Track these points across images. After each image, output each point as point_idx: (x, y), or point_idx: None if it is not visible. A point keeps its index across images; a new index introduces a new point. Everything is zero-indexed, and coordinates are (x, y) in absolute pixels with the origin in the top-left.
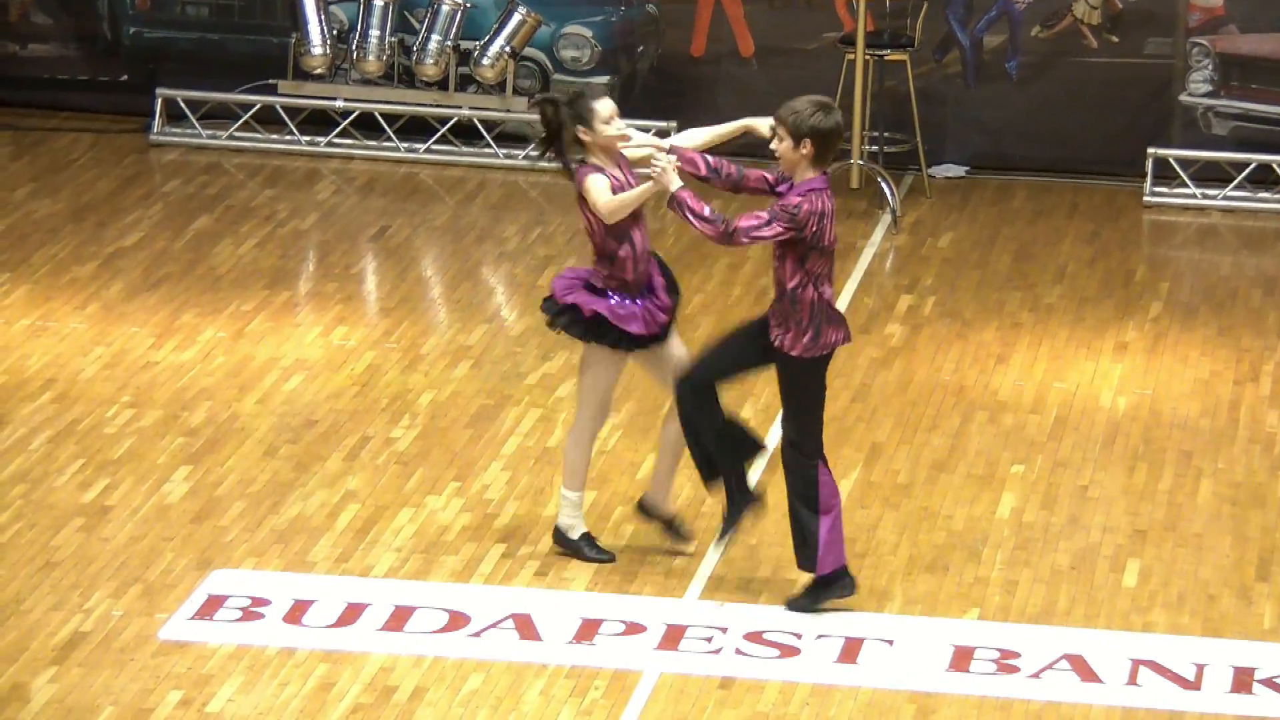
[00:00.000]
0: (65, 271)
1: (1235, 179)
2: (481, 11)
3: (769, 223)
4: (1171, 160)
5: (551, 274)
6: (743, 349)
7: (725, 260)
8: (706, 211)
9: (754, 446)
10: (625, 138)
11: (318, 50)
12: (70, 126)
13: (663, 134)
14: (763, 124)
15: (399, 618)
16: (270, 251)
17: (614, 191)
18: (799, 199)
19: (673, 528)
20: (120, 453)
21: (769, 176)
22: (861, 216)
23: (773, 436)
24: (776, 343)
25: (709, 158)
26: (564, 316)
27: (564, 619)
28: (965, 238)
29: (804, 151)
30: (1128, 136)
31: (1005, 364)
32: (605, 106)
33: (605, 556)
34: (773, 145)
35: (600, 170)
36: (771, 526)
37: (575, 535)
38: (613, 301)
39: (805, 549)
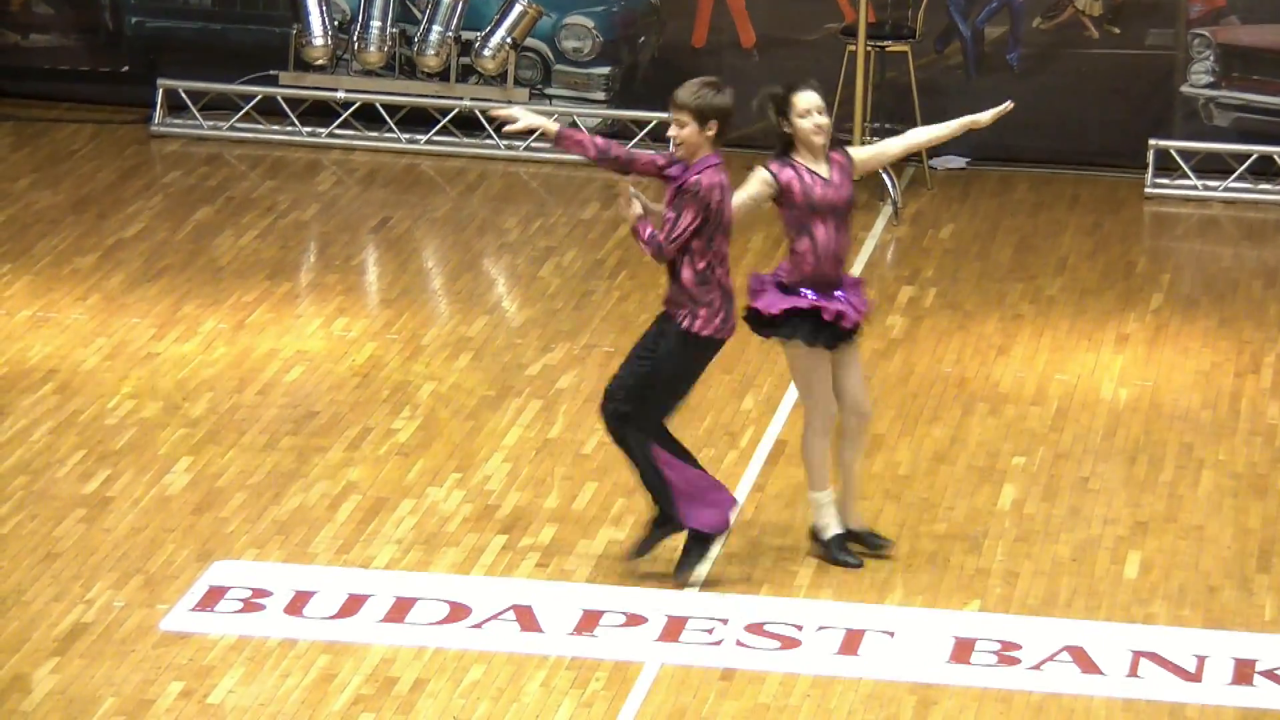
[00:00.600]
0: (66, 263)
1: (1237, 170)
2: (483, 2)
3: (679, 217)
4: (1173, 151)
5: (553, 265)
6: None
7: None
8: (646, 234)
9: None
10: (819, 130)
11: (319, 41)
12: (71, 117)
13: (664, 126)
14: (984, 117)
15: (400, 609)
16: (271, 243)
17: (795, 188)
18: (695, 176)
19: (869, 541)
20: (121, 444)
21: (658, 159)
22: (863, 208)
23: (772, 430)
24: (684, 324)
25: (598, 140)
26: (750, 319)
27: (565, 610)
28: (966, 229)
29: (709, 132)
30: (1129, 128)
31: (1006, 356)
32: (803, 99)
33: (853, 562)
34: (672, 132)
35: (785, 166)
36: (773, 517)
37: (826, 536)
38: (776, 295)
39: (663, 500)
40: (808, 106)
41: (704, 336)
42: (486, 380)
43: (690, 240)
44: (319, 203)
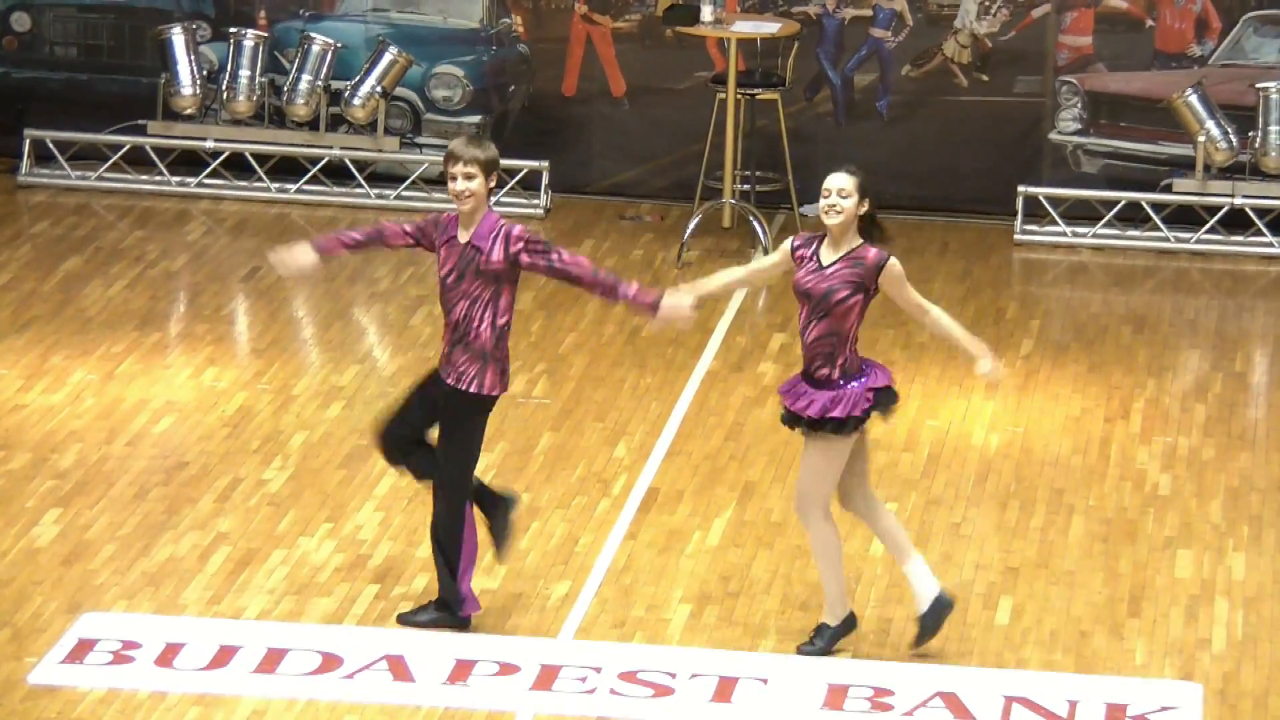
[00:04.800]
0: None
1: (1105, 217)
2: (352, 51)
3: (549, 250)
4: (1041, 198)
5: (424, 314)
6: (417, 407)
7: (598, 300)
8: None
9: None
10: (828, 211)
11: (187, 90)
12: None
13: (535, 174)
14: (990, 370)
15: (271, 660)
16: (140, 293)
17: (799, 265)
18: (519, 226)
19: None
20: None
21: (406, 228)
22: (734, 255)
23: (644, 478)
24: (466, 385)
25: (344, 235)
26: None
27: (438, 660)
28: None
29: (492, 184)
30: (998, 174)
31: None
32: (826, 179)
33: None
34: (463, 186)
35: (811, 242)
36: (646, 565)
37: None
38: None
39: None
40: (827, 187)
41: (484, 395)
42: (358, 430)
43: (485, 285)
44: (188, 252)
